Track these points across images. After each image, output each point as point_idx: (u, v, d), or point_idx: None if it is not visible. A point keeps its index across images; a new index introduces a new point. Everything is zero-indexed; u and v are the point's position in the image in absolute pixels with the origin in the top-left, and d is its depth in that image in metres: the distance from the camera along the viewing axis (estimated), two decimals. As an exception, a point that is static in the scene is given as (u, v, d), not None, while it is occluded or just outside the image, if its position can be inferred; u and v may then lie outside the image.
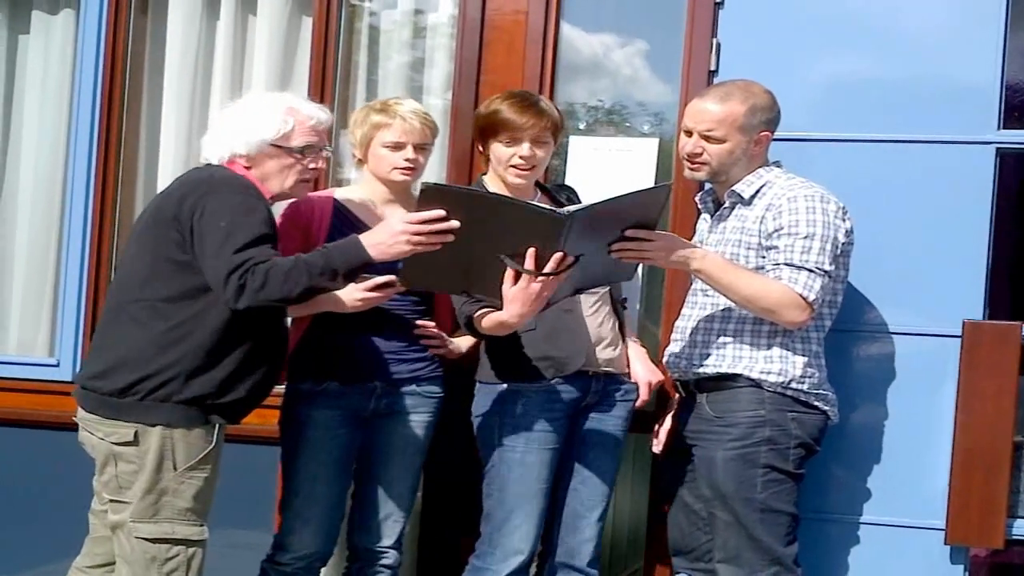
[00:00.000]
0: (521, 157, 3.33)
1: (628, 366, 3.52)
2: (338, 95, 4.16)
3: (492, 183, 3.43)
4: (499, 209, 2.94)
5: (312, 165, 3.21)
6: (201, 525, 3.10)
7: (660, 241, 3.08)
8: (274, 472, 3.75)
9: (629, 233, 3.02)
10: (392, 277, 3.04)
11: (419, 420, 3.51)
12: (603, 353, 3.42)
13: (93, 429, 3.09)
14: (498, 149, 3.35)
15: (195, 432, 3.06)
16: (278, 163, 3.17)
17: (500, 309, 3.07)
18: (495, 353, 3.38)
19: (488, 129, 3.36)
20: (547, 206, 3.08)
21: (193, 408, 3.04)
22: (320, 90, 4.09)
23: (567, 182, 3.82)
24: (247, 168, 3.16)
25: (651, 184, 3.74)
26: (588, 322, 3.40)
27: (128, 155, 4.35)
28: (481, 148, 3.43)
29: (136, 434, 3.02)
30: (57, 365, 4.31)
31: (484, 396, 3.42)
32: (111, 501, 3.09)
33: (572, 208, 2.96)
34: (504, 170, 3.36)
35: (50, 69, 4.48)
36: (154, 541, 3.03)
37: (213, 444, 3.09)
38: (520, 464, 3.35)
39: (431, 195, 2.91)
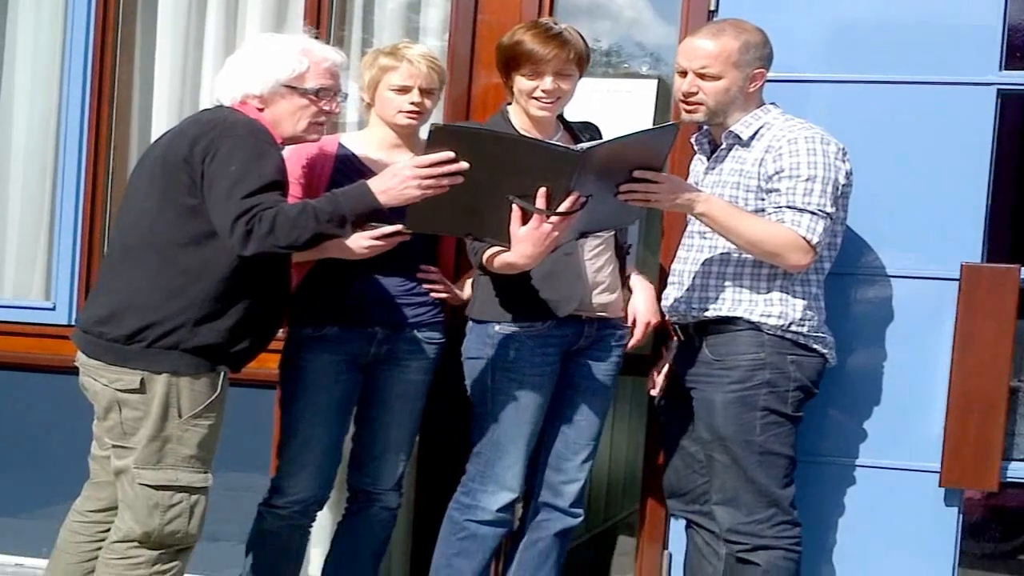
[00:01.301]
0: (543, 90, 3.26)
1: (624, 310, 3.50)
2: (333, 35, 4.10)
3: (516, 115, 3.37)
4: (510, 148, 2.89)
5: (326, 107, 3.16)
6: (205, 472, 3.08)
7: (666, 184, 3.05)
8: (271, 415, 3.76)
9: (637, 174, 2.98)
10: (400, 227, 3.00)
11: (420, 365, 3.51)
12: (598, 298, 3.40)
13: (96, 375, 3.05)
14: (520, 81, 3.28)
15: (201, 380, 3.03)
16: (291, 104, 3.12)
17: (508, 250, 3.04)
18: (490, 292, 3.35)
19: (511, 60, 3.28)
20: (559, 143, 3.04)
21: (199, 356, 3.01)
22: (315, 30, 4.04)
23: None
24: (260, 110, 3.11)
25: (652, 125, 3.72)
26: (587, 266, 3.37)
27: (122, 97, 4.31)
28: (505, 79, 3.35)
29: (142, 381, 2.99)
30: (53, 308, 4.29)
31: (475, 336, 3.41)
32: (114, 447, 3.07)
33: (584, 145, 2.91)
34: (527, 102, 3.30)
35: (42, 13, 4.41)
36: (157, 488, 3.01)
37: (218, 392, 3.06)
38: (513, 406, 3.35)
39: (440, 136, 2.85)
